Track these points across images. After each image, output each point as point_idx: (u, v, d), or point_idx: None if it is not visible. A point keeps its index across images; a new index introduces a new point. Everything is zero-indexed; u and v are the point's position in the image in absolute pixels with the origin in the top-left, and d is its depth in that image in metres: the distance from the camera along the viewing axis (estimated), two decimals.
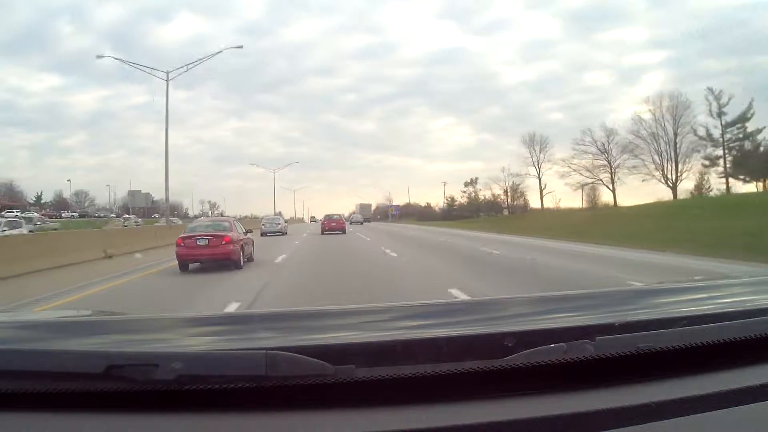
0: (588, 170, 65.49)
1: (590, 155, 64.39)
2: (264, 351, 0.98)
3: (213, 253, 13.18)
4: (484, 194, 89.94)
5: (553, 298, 2.03)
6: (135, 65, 30.41)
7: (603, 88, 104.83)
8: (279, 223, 38.04)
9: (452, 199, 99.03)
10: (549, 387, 1.04)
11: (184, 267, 13.37)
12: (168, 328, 1.53)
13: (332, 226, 36.50)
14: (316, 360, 0.98)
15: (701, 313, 1.35)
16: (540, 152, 75.70)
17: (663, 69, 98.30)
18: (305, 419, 0.97)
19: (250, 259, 15.06)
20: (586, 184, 66.52)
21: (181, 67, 29.01)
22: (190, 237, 13.53)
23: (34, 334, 1.42)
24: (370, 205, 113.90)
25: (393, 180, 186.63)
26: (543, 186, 77.40)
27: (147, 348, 1.22)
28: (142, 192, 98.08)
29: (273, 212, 46.70)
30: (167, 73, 28.56)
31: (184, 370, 0.96)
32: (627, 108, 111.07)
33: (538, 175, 76.49)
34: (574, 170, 66.20)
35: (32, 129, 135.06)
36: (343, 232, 35.93)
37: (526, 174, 77.46)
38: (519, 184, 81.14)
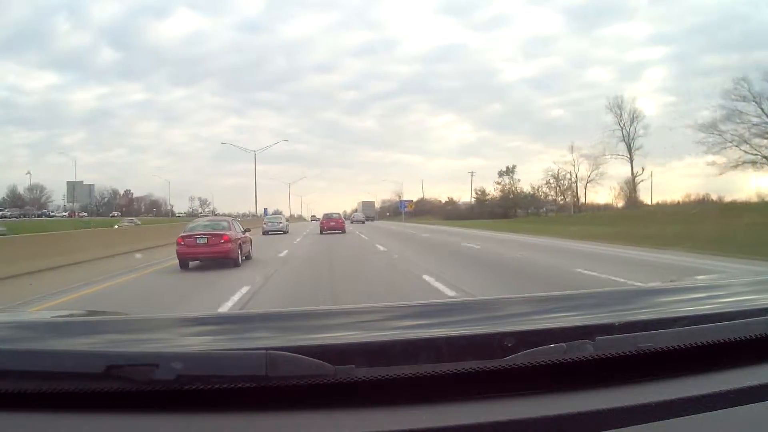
0: (745, 141, 40.31)
1: (743, 118, 39.24)
2: (264, 351, 0.98)
3: (212, 251, 13.61)
4: (521, 186, 74.10)
5: (553, 298, 2.03)
6: None
7: (604, 85, 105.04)
8: (281, 222, 39.11)
9: (483, 192, 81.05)
10: (549, 387, 1.04)
11: (184, 265, 13.76)
12: (168, 328, 1.53)
13: (331, 225, 35.39)
14: (316, 360, 0.98)
15: (701, 313, 1.35)
16: (631, 124, 55.07)
17: (664, 65, 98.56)
18: (305, 419, 0.97)
19: (248, 257, 15.42)
20: (751, 163, 40.29)
21: None
22: (190, 236, 13.91)
23: (33, 334, 1.42)
24: (373, 203, 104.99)
25: (395, 177, 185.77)
26: (638, 172, 56.38)
27: (147, 348, 1.22)
28: (84, 183, 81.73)
29: (254, 208, 44.00)
30: None
31: (184, 370, 0.96)
32: (628, 104, 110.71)
33: (630, 154, 55.08)
34: (730, 142, 40.26)
35: (31, 127, 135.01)
36: (343, 231, 34.90)
37: (612, 155, 55.45)
38: (574, 177, 62.35)
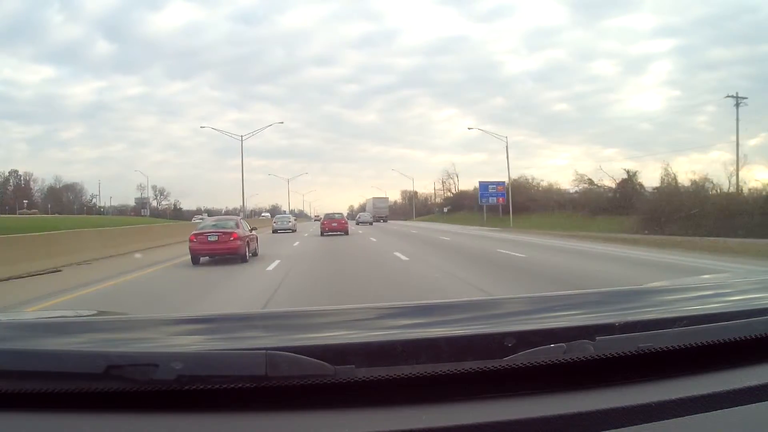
0: None
1: None
2: (264, 351, 0.98)
3: (222, 248, 14.68)
4: None
5: (553, 298, 2.03)
6: None
7: (608, 78, 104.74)
8: (290, 221, 41.40)
9: None
10: (549, 387, 1.04)
11: (196, 260, 14.82)
12: (168, 328, 1.53)
13: (333, 226, 32.17)
14: (316, 360, 0.98)
15: (702, 312, 1.35)
16: None
17: (670, 58, 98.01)
18: (305, 419, 0.97)
19: (255, 254, 16.30)
20: None
21: None
22: (201, 233, 15.00)
23: (34, 334, 1.42)
24: (386, 199, 79.60)
25: (396, 172, 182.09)
26: None
27: (147, 348, 1.22)
28: None
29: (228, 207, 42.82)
30: None
31: (184, 370, 0.96)
32: (632, 98, 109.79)
33: None
34: None
35: (29, 122, 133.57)
36: (346, 233, 31.63)
37: None
38: None
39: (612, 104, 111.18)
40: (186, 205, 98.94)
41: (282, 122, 45.45)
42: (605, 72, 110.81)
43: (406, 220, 76.54)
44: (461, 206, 68.28)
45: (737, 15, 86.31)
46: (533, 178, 62.60)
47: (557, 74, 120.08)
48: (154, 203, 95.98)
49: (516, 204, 46.89)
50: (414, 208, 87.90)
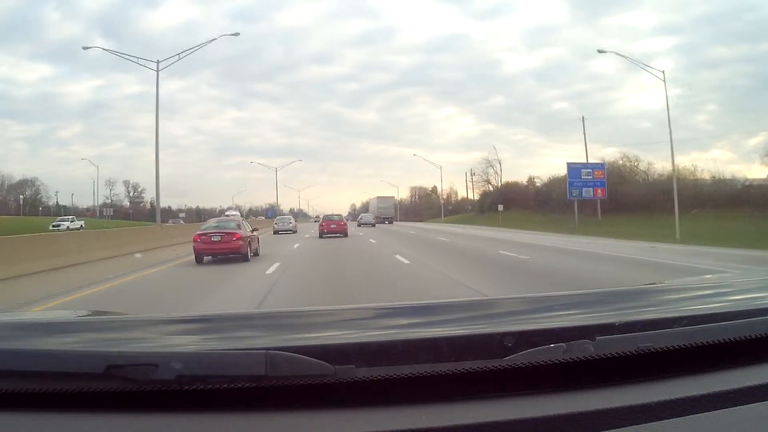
0: None
1: None
2: (264, 351, 0.98)
3: (225, 248, 15.33)
4: None
5: (553, 298, 2.03)
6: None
7: (609, 77, 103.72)
8: (290, 223, 42.79)
9: None
10: (549, 387, 1.04)
11: (200, 260, 15.47)
12: (168, 328, 1.53)
13: (331, 228, 31.14)
14: (316, 360, 0.98)
15: (702, 312, 1.35)
16: None
17: (671, 56, 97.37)
18: (305, 419, 0.97)
19: (256, 254, 16.97)
20: None
21: None
22: (205, 234, 15.72)
23: (34, 334, 1.42)
24: (392, 198, 72.67)
25: (396, 170, 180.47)
26: None
27: (147, 348, 1.22)
28: None
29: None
30: None
31: (184, 370, 0.96)
32: (632, 97, 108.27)
33: None
34: None
35: (28, 120, 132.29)
36: (345, 235, 30.55)
37: None
38: None
39: (612, 102, 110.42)
40: (182, 204, 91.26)
41: (238, 34, 33.15)
42: (605, 70, 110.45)
43: (419, 221, 65.80)
44: (509, 204, 52.77)
45: (738, 13, 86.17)
46: (637, 160, 40.07)
47: (557, 72, 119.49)
48: (130, 201, 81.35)
49: (617, 198, 29.55)
50: (442, 205, 73.46)
